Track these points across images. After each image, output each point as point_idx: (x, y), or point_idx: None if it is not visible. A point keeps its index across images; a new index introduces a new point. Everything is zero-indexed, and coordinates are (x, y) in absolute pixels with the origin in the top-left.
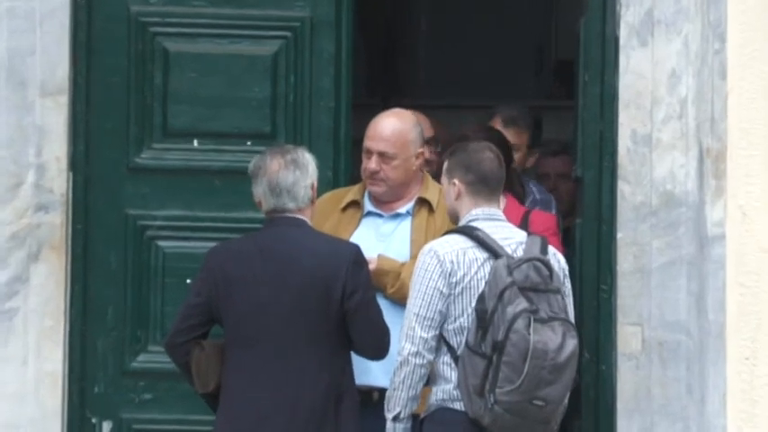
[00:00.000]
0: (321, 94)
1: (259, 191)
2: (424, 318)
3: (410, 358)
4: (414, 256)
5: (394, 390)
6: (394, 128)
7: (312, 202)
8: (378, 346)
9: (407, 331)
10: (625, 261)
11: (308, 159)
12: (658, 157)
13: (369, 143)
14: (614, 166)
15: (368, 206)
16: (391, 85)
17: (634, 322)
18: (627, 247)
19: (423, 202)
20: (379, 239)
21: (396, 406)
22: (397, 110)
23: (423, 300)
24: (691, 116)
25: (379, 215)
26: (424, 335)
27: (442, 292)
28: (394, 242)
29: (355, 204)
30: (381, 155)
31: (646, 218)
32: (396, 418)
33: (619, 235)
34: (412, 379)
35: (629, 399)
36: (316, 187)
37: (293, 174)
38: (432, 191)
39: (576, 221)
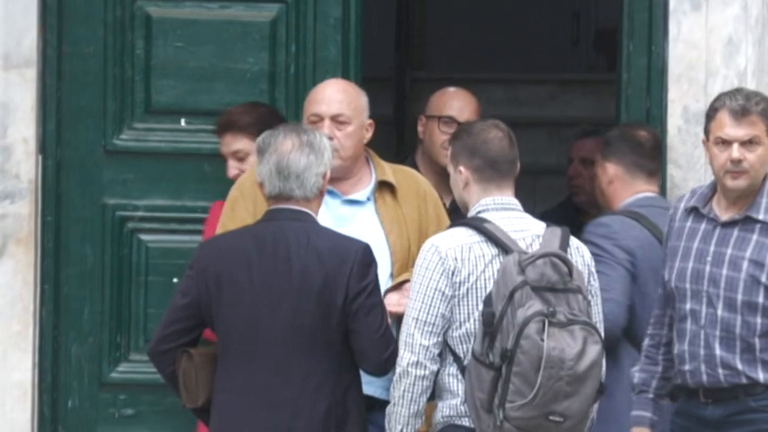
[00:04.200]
0: (326, 66)
1: (264, 171)
2: (425, 323)
3: (410, 369)
4: (396, 253)
5: (394, 405)
6: (346, 90)
7: (321, 193)
8: (377, 359)
9: (406, 338)
10: None
11: (325, 145)
12: None
13: (318, 108)
14: (663, 149)
15: None
16: (406, 56)
17: None
18: None
19: (383, 186)
20: (338, 224)
21: (396, 424)
22: (338, 78)
23: (423, 302)
24: None
25: (334, 194)
26: (425, 342)
27: (444, 293)
28: (357, 231)
29: None
30: (335, 119)
31: None
32: None
33: None
34: (413, 392)
35: None
36: (328, 178)
37: (306, 158)
38: (389, 172)
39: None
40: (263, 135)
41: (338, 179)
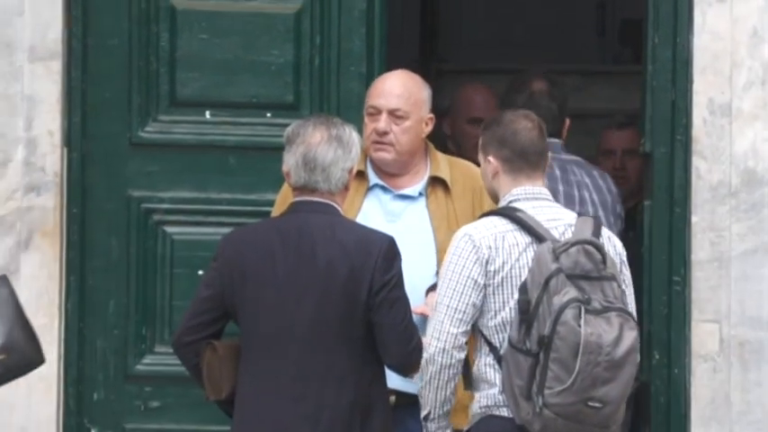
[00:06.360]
0: (351, 58)
1: (291, 161)
2: (455, 310)
3: (436, 357)
4: (442, 250)
5: (422, 388)
6: (406, 85)
7: (346, 188)
8: (401, 354)
9: (435, 325)
10: (701, 249)
11: (354, 140)
12: (739, 129)
13: (377, 101)
14: (688, 141)
15: (373, 178)
16: (431, 47)
17: (711, 319)
18: (703, 232)
19: (436, 182)
20: (389, 219)
21: (426, 405)
22: (404, 70)
23: (454, 290)
24: None
25: (386, 189)
26: (453, 330)
27: (476, 281)
28: (406, 227)
29: (359, 175)
30: (392, 113)
31: (724, 199)
32: (426, 418)
33: (693, 219)
34: (439, 380)
35: (705, 406)
36: (354, 173)
37: (334, 152)
38: (443, 167)
39: (644, 203)
40: (293, 125)
41: (395, 174)
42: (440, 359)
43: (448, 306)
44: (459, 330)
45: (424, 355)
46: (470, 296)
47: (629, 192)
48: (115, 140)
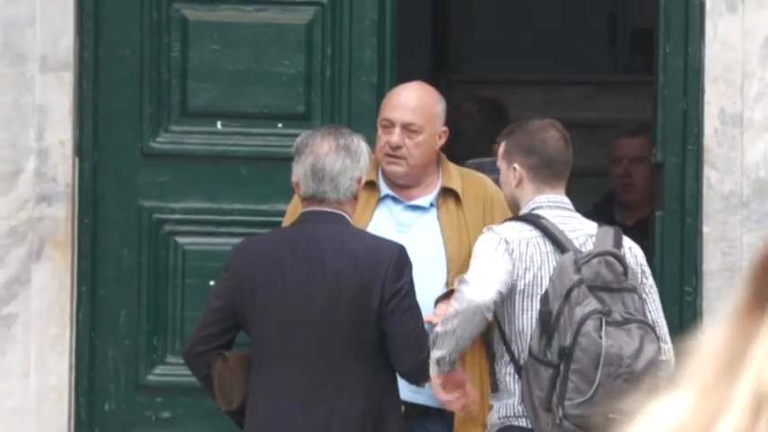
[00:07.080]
0: (362, 69)
1: (300, 171)
2: (493, 273)
3: (466, 313)
4: (452, 261)
5: (444, 335)
6: (420, 98)
7: (355, 197)
8: (413, 363)
9: (471, 285)
10: (712, 259)
11: (362, 150)
12: (750, 139)
13: (391, 114)
14: (699, 151)
15: (384, 188)
16: (441, 56)
17: None
18: (714, 242)
19: (447, 193)
20: (399, 230)
21: (442, 348)
22: (419, 82)
23: (490, 263)
24: None
25: (397, 200)
26: (490, 294)
27: (508, 269)
28: (417, 237)
29: (370, 185)
30: (406, 127)
31: (736, 209)
32: (440, 361)
33: (705, 229)
34: (464, 331)
35: None
36: (363, 183)
37: (342, 161)
38: (455, 178)
39: (655, 214)
40: (302, 136)
41: (407, 186)
42: (468, 316)
43: (487, 271)
44: (493, 294)
45: (455, 305)
46: (506, 267)
47: (635, 200)
48: (126, 151)
